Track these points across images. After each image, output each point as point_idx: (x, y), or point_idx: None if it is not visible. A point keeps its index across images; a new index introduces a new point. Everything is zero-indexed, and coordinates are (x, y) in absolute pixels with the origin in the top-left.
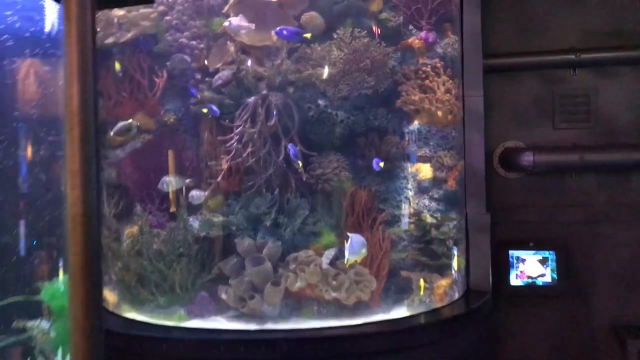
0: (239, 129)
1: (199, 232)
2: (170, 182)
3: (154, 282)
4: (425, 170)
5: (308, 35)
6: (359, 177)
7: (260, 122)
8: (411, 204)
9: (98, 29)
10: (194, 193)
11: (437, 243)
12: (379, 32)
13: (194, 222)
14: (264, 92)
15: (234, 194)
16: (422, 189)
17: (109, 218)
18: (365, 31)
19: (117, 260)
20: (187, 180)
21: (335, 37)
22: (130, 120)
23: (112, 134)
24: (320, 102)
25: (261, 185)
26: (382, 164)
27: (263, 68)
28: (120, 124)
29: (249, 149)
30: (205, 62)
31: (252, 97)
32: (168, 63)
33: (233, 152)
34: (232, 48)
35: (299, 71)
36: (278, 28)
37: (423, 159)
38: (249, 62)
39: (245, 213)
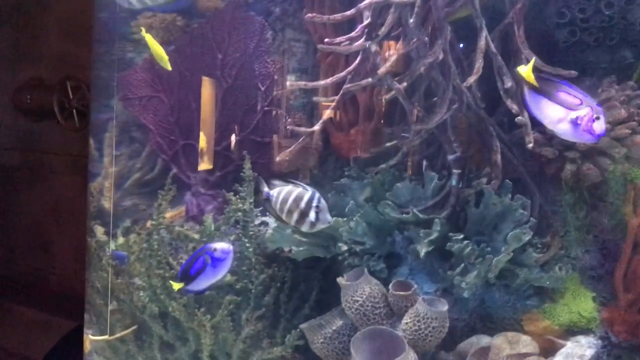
0: (368, 1)
1: (269, 246)
2: None
3: (159, 342)
4: None
5: None
6: None
7: None
8: None
9: None
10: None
11: None
12: None
13: (269, 219)
14: None
15: (353, 163)
16: None
17: (98, 198)
18: None
19: (102, 286)
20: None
21: None
22: None
23: None
24: None
25: (414, 153)
26: None
27: None
28: None
29: (391, 55)
30: None
31: None
32: None
33: (357, 62)
34: None
35: None
36: None
37: None
38: None
39: (369, 214)
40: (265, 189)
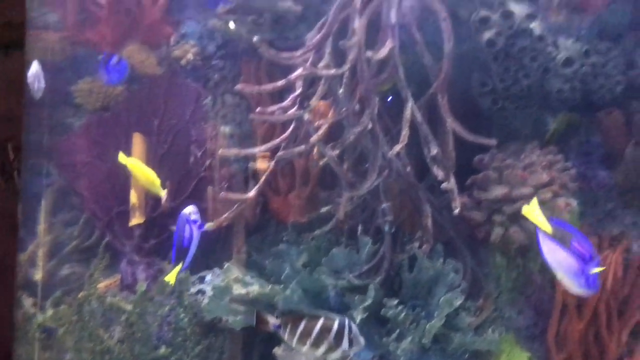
0: (298, 73)
1: (205, 315)
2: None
3: None
4: None
5: None
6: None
7: (354, 55)
8: None
9: None
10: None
11: None
12: None
13: (206, 288)
14: None
15: (292, 229)
16: None
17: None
18: None
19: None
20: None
21: None
22: None
23: None
24: (515, 7)
25: (349, 218)
26: None
27: None
28: None
29: (322, 123)
30: None
31: None
32: None
33: (291, 130)
34: None
35: None
36: None
37: None
38: None
39: (306, 281)
40: (272, 320)
